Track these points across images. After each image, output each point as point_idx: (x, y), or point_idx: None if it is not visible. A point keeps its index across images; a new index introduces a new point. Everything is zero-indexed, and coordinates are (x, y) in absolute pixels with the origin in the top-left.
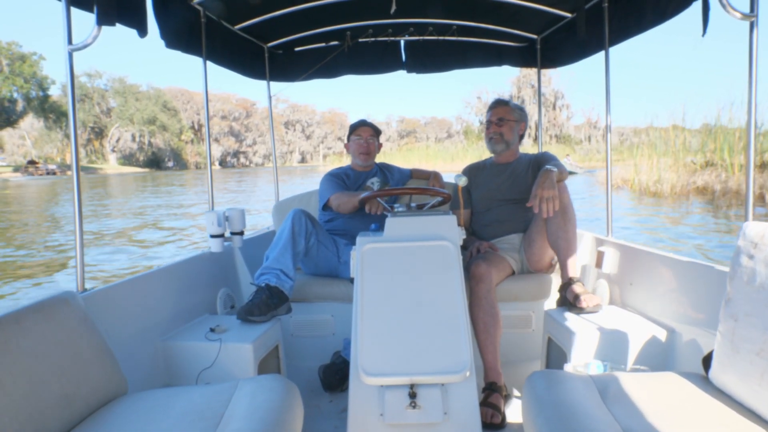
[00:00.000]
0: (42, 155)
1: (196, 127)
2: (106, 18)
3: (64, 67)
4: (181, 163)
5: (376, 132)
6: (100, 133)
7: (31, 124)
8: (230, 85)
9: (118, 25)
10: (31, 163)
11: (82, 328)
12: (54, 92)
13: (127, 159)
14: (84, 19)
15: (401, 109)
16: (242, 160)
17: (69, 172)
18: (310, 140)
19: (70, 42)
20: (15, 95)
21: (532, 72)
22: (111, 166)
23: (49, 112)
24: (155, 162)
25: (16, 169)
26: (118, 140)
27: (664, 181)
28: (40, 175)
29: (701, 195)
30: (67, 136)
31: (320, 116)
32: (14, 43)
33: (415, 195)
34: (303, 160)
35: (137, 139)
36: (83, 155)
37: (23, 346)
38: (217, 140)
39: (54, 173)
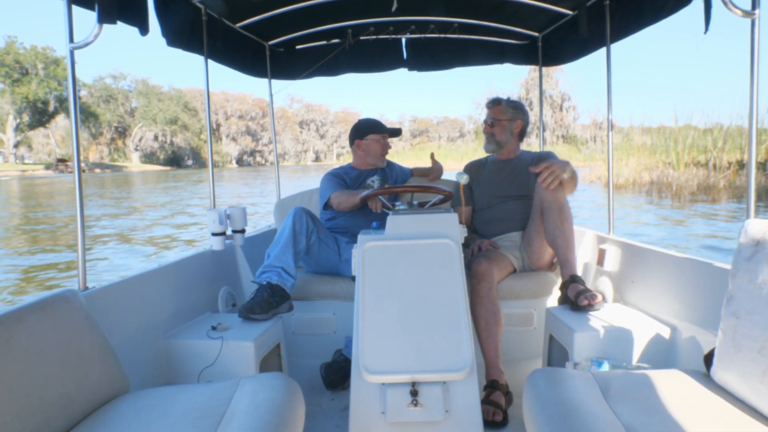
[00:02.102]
0: (67, 154)
1: (215, 126)
2: (107, 16)
3: (77, 66)
4: (200, 162)
5: (393, 136)
6: (123, 132)
7: (55, 123)
8: (247, 86)
9: (120, 24)
10: (61, 161)
11: (83, 326)
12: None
13: (148, 157)
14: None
15: (414, 108)
16: (258, 158)
17: (97, 170)
18: (324, 139)
19: (71, 40)
20: (49, 97)
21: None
22: (135, 164)
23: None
24: (175, 160)
25: (47, 167)
26: (140, 139)
27: (620, 176)
28: (70, 172)
29: (645, 186)
30: (93, 135)
31: (334, 116)
32: (49, 47)
33: (417, 193)
34: (317, 159)
35: (159, 138)
36: (106, 153)
37: (25, 345)
38: (234, 139)
39: (83, 171)
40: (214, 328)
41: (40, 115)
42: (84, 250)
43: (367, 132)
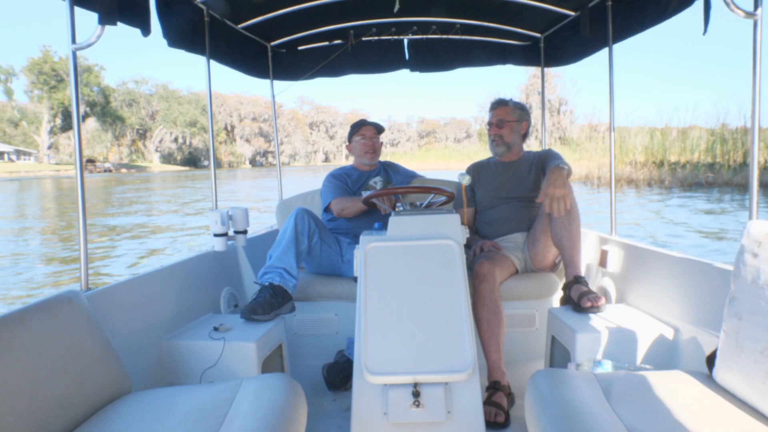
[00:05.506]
0: (92, 155)
1: (229, 128)
2: (108, 17)
3: (105, 73)
4: (215, 162)
5: (379, 130)
6: (143, 134)
7: (83, 126)
8: (260, 89)
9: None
10: (90, 161)
11: (85, 327)
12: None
13: (166, 158)
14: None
15: (421, 110)
16: (270, 159)
17: (123, 170)
18: (334, 140)
19: (73, 41)
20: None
21: (539, 80)
22: (156, 164)
23: (107, 116)
24: (192, 161)
25: None
26: (161, 141)
27: (574, 173)
28: (98, 172)
29: (586, 179)
30: (116, 137)
31: (343, 117)
32: (82, 56)
33: (418, 194)
34: (327, 160)
35: (179, 140)
36: (126, 154)
37: (27, 345)
38: (248, 141)
39: (110, 171)
40: (216, 329)
41: (71, 119)
42: (86, 250)
43: (352, 134)
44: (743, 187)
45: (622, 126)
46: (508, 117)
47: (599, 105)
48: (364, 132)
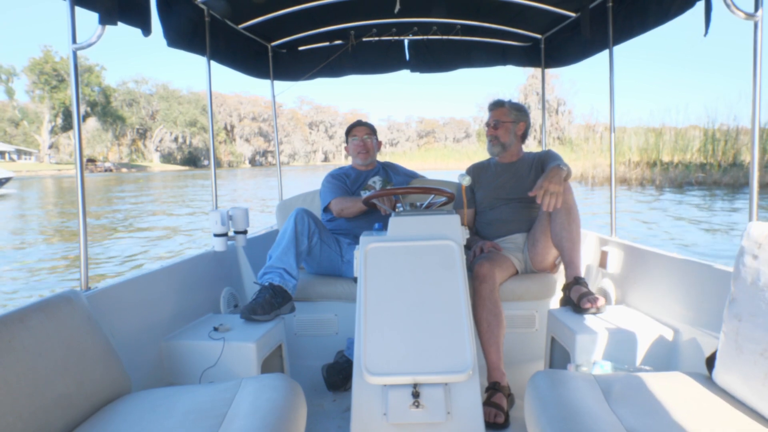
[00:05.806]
0: (92, 154)
1: (229, 128)
2: (108, 17)
3: (106, 73)
4: (215, 161)
5: (372, 130)
6: (144, 134)
7: (84, 126)
8: (260, 89)
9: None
10: (91, 161)
11: (85, 326)
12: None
13: (166, 158)
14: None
15: (421, 109)
16: (270, 159)
17: (123, 169)
18: (333, 140)
19: (74, 41)
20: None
21: (537, 81)
22: (156, 164)
23: (107, 115)
24: (192, 161)
25: None
26: (161, 141)
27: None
28: (99, 172)
29: (581, 178)
30: (116, 137)
31: (342, 117)
32: (83, 57)
33: (418, 195)
34: (326, 159)
35: (179, 139)
36: (125, 154)
37: (27, 345)
38: (248, 140)
39: (110, 170)
40: (215, 329)
41: (72, 119)
42: (86, 250)
43: (346, 135)
44: (731, 186)
45: (620, 126)
46: (504, 118)
47: (597, 105)
48: (356, 133)
